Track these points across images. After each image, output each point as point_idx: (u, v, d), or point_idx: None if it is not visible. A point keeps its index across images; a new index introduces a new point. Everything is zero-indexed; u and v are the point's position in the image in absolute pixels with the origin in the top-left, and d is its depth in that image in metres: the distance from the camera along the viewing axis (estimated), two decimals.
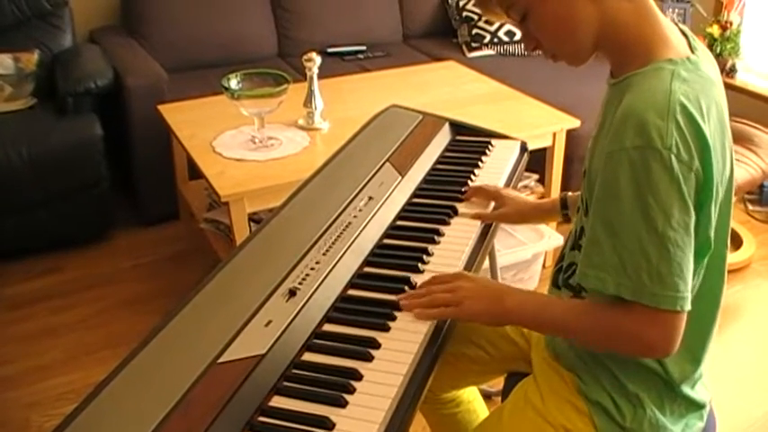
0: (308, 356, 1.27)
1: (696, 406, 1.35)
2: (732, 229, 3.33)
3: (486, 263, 2.41)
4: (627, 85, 1.19)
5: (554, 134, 2.97)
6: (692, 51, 1.21)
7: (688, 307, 1.13)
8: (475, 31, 4.33)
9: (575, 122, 2.98)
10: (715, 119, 1.17)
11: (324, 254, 1.47)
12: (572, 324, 1.26)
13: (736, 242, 3.34)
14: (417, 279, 1.46)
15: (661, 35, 1.20)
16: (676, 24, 1.26)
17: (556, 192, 3.03)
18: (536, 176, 3.24)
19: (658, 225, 1.10)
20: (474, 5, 4.34)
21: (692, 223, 1.12)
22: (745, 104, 3.58)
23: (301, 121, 2.87)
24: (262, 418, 1.14)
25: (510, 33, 4.30)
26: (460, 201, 1.78)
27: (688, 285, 1.13)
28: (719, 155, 1.17)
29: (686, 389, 1.32)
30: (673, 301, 1.11)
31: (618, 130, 1.13)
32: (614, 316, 1.17)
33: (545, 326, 1.34)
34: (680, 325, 1.14)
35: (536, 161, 2.98)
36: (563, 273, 1.42)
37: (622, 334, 1.18)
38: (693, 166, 1.11)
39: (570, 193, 1.69)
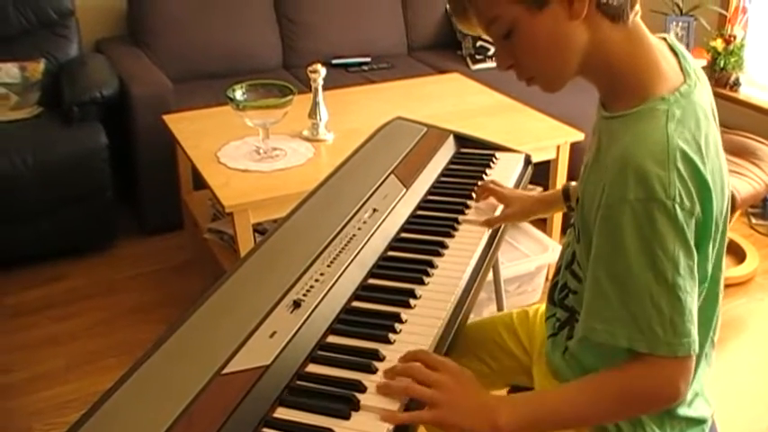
0: (312, 368, 1.27)
1: (696, 422, 1.34)
2: (735, 243, 3.36)
3: (490, 276, 2.41)
4: (620, 124, 1.16)
5: (558, 147, 2.98)
6: (684, 75, 1.18)
7: (698, 348, 1.13)
8: (479, 43, 4.35)
9: (579, 135, 2.98)
10: (713, 153, 1.16)
11: (328, 265, 1.48)
12: (583, 411, 1.19)
13: (740, 256, 3.34)
14: (421, 291, 1.46)
15: (653, 65, 1.17)
16: (666, 41, 1.23)
17: None
18: (540, 189, 3.24)
19: (668, 276, 1.09)
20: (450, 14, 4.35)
21: (695, 265, 1.12)
22: (749, 118, 3.59)
23: (306, 133, 2.87)
24: (266, 430, 1.13)
25: None
26: (465, 213, 1.78)
27: (696, 326, 1.12)
28: (719, 191, 1.16)
29: (683, 410, 1.31)
30: (688, 346, 1.11)
31: (617, 180, 1.11)
32: (626, 377, 1.15)
33: (553, 426, 1.23)
34: (692, 366, 1.14)
35: (540, 174, 2.97)
36: (558, 291, 1.42)
37: (639, 392, 1.15)
38: (695, 211, 1.10)
39: (573, 183, 1.67)
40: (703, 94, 1.20)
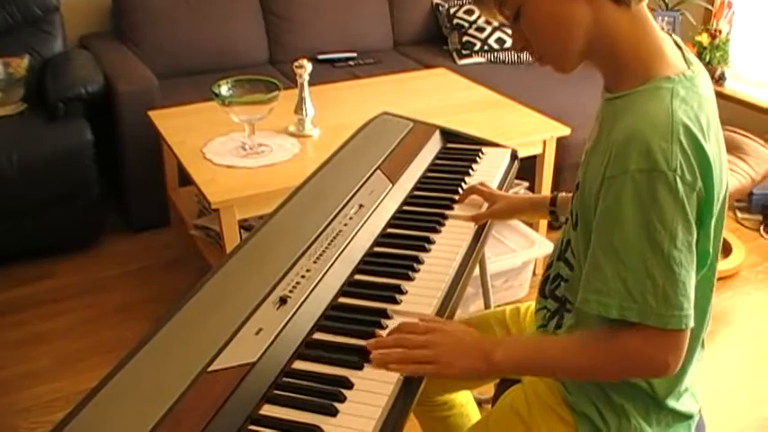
0: (298, 365, 1.26)
1: (683, 417, 1.35)
2: None
3: (477, 271, 2.42)
4: (624, 103, 1.18)
5: (544, 142, 2.98)
6: (687, 65, 1.21)
7: (692, 324, 1.13)
8: (465, 38, 4.35)
9: (565, 130, 2.98)
10: (714, 136, 1.17)
11: (314, 262, 1.47)
12: (572, 361, 1.23)
13: (726, 250, 3.36)
14: (407, 287, 1.46)
15: (657, 49, 1.19)
16: (671, 36, 1.25)
17: None
18: (526, 184, 3.25)
19: (664, 247, 1.10)
20: (470, 3, 4.35)
21: (694, 241, 1.12)
22: (734, 113, 3.59)
23: (292, 128, 2.87)
24: (252, 427, 1.13)
25: (500, 41, 4.31)
26: (451, 209, 1.78)
27: (691, 303, 1.13)
28: (719, 171, 1.17)
29: (671, 402, 1.31)
30: (678, 320, 1.12)
31: (620, 153, 1.12)
32: (618, 341, 1.17)
33: (541, 371, 1.32)
34: (685, 342, 1.15)
35: (526, 169, 2.99)
36: (549, 283, 1.42)
37: (629, 358, 1.17)
38: (696, 186, 1.11)
39: (563, 193, 1.69)
40: (705, 84, 1.22)
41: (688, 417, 1.35)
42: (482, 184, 1.82)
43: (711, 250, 1.21)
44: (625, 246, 1.12)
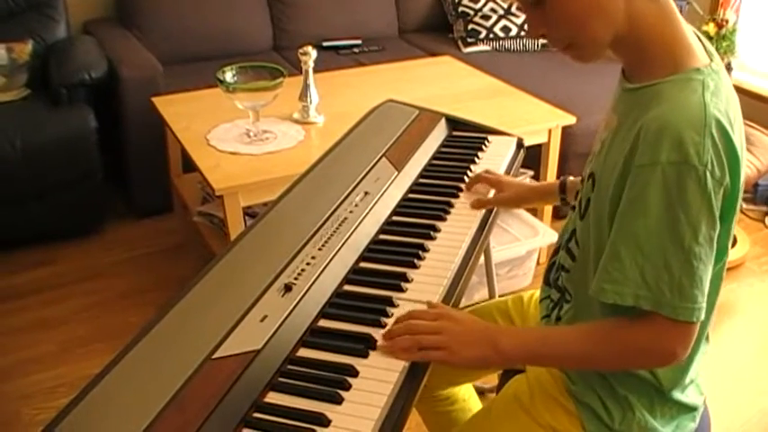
0: (303, 352, 1.26)
1: (687, 409, 1.34)
2: None
3: (481, 260, 2.41)
4: (654, 93, 1.16)
5: (549, 130, 2.97)
6: (709, 56, 1.19)
7: (703, 317, 1.14)
8: (471, 26, 4.33)
9: (570, 119, 2.97)
10: (739, 130, 1.17)
11: (319, 249, 1.47)
12: (580, 350, 1.23)
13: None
14: (413, 275, 1.46)
15: (684, 41, 1.18)
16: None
17: None
18: (531, 173, 3.23)
19: (685, 240, 1.09)
20: (468, 5, 4.33)
21: (716, 237, 1.12)
22: (741, 103, 3.58)
23: (296, 115, 2.86)
24: (257, 414, 1.13)
25: (506, 29, 4.30)
26: (457, 197, 1.77)
27: (705, 296, 1.13)
28: (742, 166, 1.16)
29: (677, 394, 1.31)
30: (690, 312, 1.12)
31: (651, 143, 1.10)
32: (628, 330, 1.17)
33: (549, 360, 1.31)
34: (694, 334, 1.15)
35: (531, 158, 2.97)
36: (554, 272, 1.42)
37: (637, 346, 1.18)
38: (724, 181, 1.10)
39: (571, 178, 1.68)
40: (726, 78, 1.21)
41: (692, 409, 1.35)
42: (488, 171, 1.81)
43: (728, 244, 1.21)
44: (646, 235, 1.11)
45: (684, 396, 1.33)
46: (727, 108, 1.13)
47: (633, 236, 1.12)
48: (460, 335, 1.26)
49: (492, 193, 1.77)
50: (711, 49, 1.22)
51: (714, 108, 1.11)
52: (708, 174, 1.08)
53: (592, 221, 1.25)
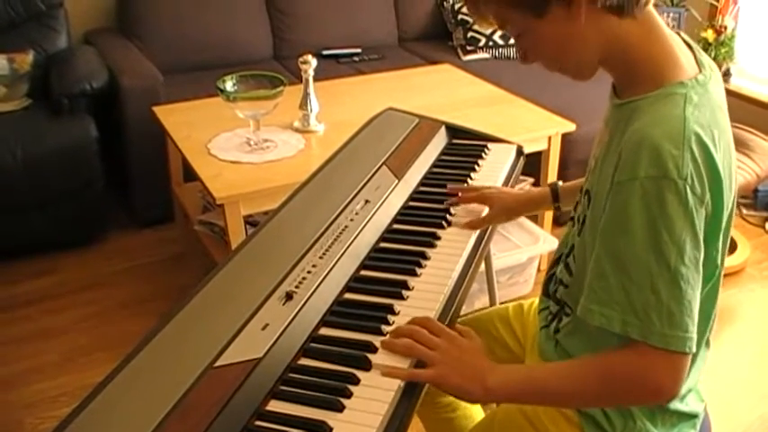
0: (304, 361, 1.26)
1: (688, 416, 1.34)
2: None
3: (482, 267, 2.41)
4: (635, 108, 1.16)
5: (549, 138, 2.98)
6: (700, 67, 1.19)
7: (695, 349, 1.10)
8: (470, 34, 4.34)
9: (570, 126, 2.98)
10: (724, 145, 1.15)
11: (320, 257, 1.47)
12: (570, 386, 1.19)
13: (731, 247, 3.34)
14: (413, 283, 1.46)
15: (670, 55, 1.17)
16: (679, 35, 1.23)
17: None
18: (531, 180, 3.24)
19: (671, 261, 1.07)
20: (467, 13, 4.34)
21: (701, 260, 1.09)
22: (740, 109, 3.58)
23: (297, 124, 2.86)
24: (259, 423, 1.13)
25: (505, 37, 4.31)
26: (457, 205, 1.77)
27: (695, 325, 1.10)
28: (728, 184, 1.14)
29: (677, 403, 1.30)
30: (682, 342, 1.08)
31: (630, 158, 1.09)
32: (615, 361, 1.14)
33: (537, 398, 1.27)
34: (686, 366, 1.11)
35: (531, 165, 2.97)
36: (553, 284, 1.42)
37: (627, 378, 1.13)
38: (705, 199, 1.08)
39: (561, 183, 1.66)
40: (717, 88, 1.20)
41: (693, 416, 1.35)
42: (471, 187, 1.79)
43: (720, 263, 1.20)
44: (631, 256, 1.09)
45: (684, 405, 1.32)
46: (710, 122, 1.11)
47: (617, 256, 1.10)
48: (455, 360, 1.23)
49: (486, 209, 1.73)
50: (704, 58, 1.21)
51: (695, 122, 1.09)
52: (688, 188, 1.06)
53: (587, 240, 1.24)
